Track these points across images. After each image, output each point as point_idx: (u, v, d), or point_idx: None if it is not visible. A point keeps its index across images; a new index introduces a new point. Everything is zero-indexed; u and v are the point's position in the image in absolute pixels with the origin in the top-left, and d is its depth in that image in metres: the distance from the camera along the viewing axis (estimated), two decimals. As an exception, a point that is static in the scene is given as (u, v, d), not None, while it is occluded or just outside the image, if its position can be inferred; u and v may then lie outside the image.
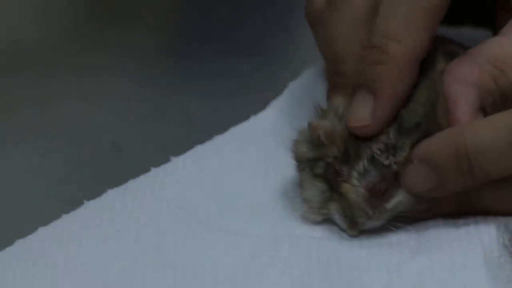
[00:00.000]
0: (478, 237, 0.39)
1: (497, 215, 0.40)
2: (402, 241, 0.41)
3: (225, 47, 0.60)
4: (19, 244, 0.41)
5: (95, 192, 0.44)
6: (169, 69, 0.61)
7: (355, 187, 0.40)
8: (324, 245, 0.41)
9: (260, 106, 0.49)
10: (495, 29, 0.45)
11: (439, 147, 0.40)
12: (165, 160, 0.46)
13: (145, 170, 0.46)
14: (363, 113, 0.40)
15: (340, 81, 0.43)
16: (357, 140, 0.41)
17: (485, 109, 0.41)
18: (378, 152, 0.40)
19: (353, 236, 0.41)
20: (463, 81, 0.41)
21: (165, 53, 0.63)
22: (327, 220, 0.42)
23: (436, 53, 0.42)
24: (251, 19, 0.62)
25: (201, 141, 0.48)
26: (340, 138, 0.40)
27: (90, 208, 0.44)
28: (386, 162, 0.40)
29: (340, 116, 0.41)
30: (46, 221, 0.42)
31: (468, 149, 0.39)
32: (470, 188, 0.39)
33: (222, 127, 0.48)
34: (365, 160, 0.40)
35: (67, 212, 0.43)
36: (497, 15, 0.46)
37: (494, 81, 0.41)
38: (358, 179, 0.40)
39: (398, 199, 0.40)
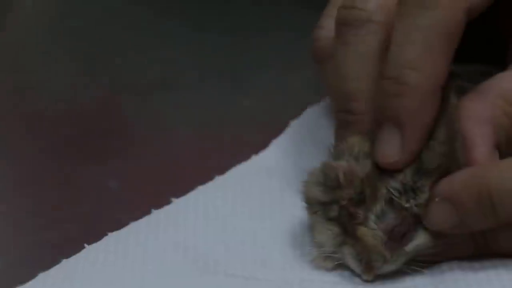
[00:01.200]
0: (500, 284, 0.39)
1: None
2: (418, 285, 0.39)
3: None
4: None
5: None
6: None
7: (372, 230, 0.39)
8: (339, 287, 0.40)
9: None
10: (506, 65, 0.44)
11: (462, 186, 0.39)
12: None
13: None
14: (393, 148, 0.40)
15: (350, 119, 0.42)
16: (373, 181, 0.40)
17: (500, 146, 0.41)
18: (397, 194, 0.39)
19: (368, 281, 0.40)
20: (477, 118, 0.41)
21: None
22: (338, 266, 0.41)
23: (449, 88, 0.41)
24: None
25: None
26: (358, 180, 0.39)
27: (91, 251, 0.42)
28: (406, 205, 0.39)
29: (355, 157, 0.40)
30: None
31: (492, 191, 0.38)
32: (492, 228, 0.39)
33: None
34: (383, 202, 0.39)
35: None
36: (508, 51, 0.46)
37: (507, 117, 0.41)
38: (376, 221, 0.39)
39: (417, 242, 0.40)
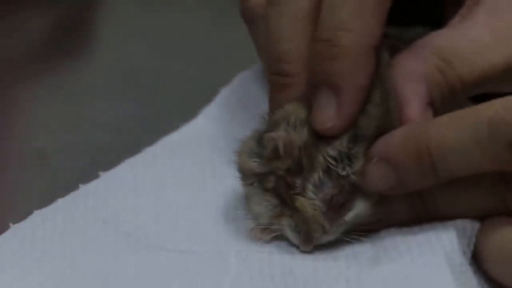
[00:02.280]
0: (440, 244, 0.39)
1: (453, 219, 0.40)
2: (358, 252, 0.40)
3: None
4: None
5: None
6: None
7: (311, 200, 0.39)
8: (275, 259, 0.40)
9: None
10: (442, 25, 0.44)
11: (399, 145, 0.39)
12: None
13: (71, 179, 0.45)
14: (329, 113, 0.39)
15: (284, 81, 0.41)
16: (310, 150, 0.39)
17: (434, 103, 0.41)
18: (333, 162, 0.39)
19: (306, 252, 0.40)
20: (410, 75, 0.41)
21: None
22: (276, 238, 0.41)
23: (381, 49, 0.41)
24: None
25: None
26: (296, 149, 0.39)
27: (18, 230, 0.42)
28: (343, 173, 0.39)
29: (293, 125, 0.40)
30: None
31: (432, 148, 0.38)
32: (432, 187, 0.39)
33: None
34: (320, 171, 0.39)
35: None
36: (445, 11, 0.46)
37: (441, 73, 0.41)
38: (314, 191, 0.39)
39: (356, 211, 0.40)
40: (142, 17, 0.69)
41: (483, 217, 0.40)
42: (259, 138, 0.40)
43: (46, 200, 0.44)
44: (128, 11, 0.69)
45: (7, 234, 0.42)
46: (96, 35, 0.67)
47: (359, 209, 0.40)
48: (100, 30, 0.68)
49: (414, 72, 0.41)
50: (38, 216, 0.42)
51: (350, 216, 0.39)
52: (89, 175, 0.45)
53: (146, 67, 0.60)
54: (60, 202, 0.43)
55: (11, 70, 0.62)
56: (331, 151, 0.39)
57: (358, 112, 0.40)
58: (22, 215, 0.43)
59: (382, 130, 0.40)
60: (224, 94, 0.50)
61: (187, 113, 0.49)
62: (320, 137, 0.39)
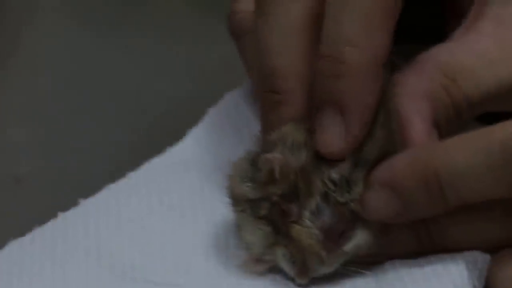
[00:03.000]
0: (449, 277, 0.38)
1: (462, 251, 0.38)
2: (359, 286, 0.38)
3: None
4: None
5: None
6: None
7: (307, 229, 0.37)
8: None
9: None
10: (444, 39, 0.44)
11: (404, 170, 0.38)
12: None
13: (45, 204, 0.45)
14: (335, 135, 0.38)
15: (277, 99, 0.40)
16: (307, 174, 0.38)
17: (439, 123, 0.40)
18: (332, 188, 0.37)
19: (301, 285, 0.38)
20: (413, 93, 0.40)
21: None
22: (270, 270, 0.39)
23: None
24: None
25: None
26: (293, 173, 0.38)
27: None
28: (341, 200, 0.37)
29: (290, 148, 0.38)
30: None
31: (440, 173, 0.37)
32: (439, 215, 0.38)
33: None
34: (318, 197, 0.37)
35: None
36: (448, 25, 0.45)
37: (445, 91, 0.41)
38: (311, 219, 0.37)
39: (356, 241, 0.38)
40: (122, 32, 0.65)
41: (494, 249, 0.39)
42: (253, 160, 0.39)
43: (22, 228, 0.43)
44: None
45: None
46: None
47: (360, 239, 0.38)
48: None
49: (417, 90, 0.40)
50: (14, 245, 0.41)
51: (350, 246, 0.38)
52: (67, 202, 0.44)
53: (129, 86, 0.58)
54: (37, 231, 0.42)
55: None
56: (334, 174, 0.38)
57: (365, 135, 0.39)
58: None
59: (384, 154, 0.38)
60: (212, 114, 0.48)
61: (173, 135, 0.48)
62: (318, 161, 0.38)
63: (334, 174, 0.38)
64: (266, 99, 0.41)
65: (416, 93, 0.40)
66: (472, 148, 0.37)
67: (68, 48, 0.64)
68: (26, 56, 0.63)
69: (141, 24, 0.66)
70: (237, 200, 0.39)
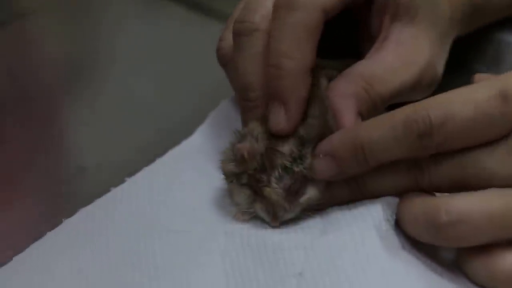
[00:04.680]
0: (370, 216, 0.42)
1: (379, 197, 0.43)
2: (311, 225, 0.43)
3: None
4: None
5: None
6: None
7: (274, 189, 0.42)
8: (252, 234, 0.43)
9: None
10: (362, 57, 0.48)
11: (339, 143, 0.42)
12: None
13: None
14: (280, 118, 0.42)
15: (250, 105, 0.45)
16: (270, 154, 0.42)
17: (362, 113, 0.44)
18: (289, 162, 0.42)
19: (274, 227, 0.43)
20: (343, 94, 0.44)
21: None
22: (252, 218, 0.44)
23: (319, 76, 0.45)
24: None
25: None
26: (258, 155, 0.43)
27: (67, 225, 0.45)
28: (297, 169, 0.42)
29: (255, 137, 0.43)
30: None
31: (363, 144, 0.41)
32: (364, 173, 0.42)
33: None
34: (279, 169, 0.42)
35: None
36: (361, 47, 0.49)
37: (365, 92, 0.45)
38: (276, 183, 0.42)
39: (308, 196, 0.43)
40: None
41: (400, 193, 0.43)
42: (233, 148, 0.44)
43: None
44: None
45: (59, 227, 0.45)
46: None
47: (310, 193, 0.43)
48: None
49: (346, 92, 0.45)
50: (83, 212, 0.45)
51: (304, 199, 0.43)
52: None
53: (140, 93, 0.60)
54: (97, 201, 0.46)
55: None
56: (286, 153, 0.42)
57: (301, 117, 0.43)
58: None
59: (323, 136, 0.43)
60: (212, 116, 0.53)
61: (187, 131, 0.51)
62: (275, 146, 0.43)
63: (287, 149, 0.42)
64: (243, 105, 0.45)
65: (346, 94, 0.44)
66: (384, 125, 0.41)
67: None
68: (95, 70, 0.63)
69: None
70: (227, 175, 0.44)
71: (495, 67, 0.58)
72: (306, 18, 0.43)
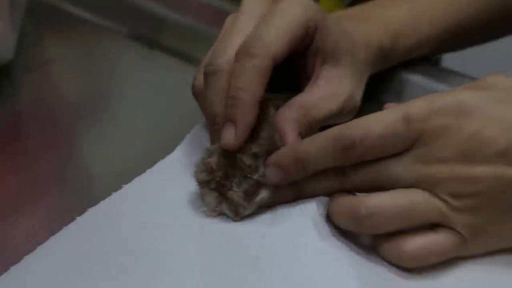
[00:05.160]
0: (307, 211, 0.41)
1: (314, 197, 0.42)
2: (264, 219, 0.42)
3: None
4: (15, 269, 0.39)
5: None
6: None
7: (236, 192, 0.41)
8: (220, 225, 0.42)
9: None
10: (300, 90, 0.47)
11: (283, 156, 0.41)
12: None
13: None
14: (230, 136, 0.41)
15: (216, 128, 0.43)
16: (231, 166, 0.41)
17: (301, 134, 0.43)
18: (247, 171, 0.41)
19: (236, 221, 0.42)
20: (287, 119, 0.43)
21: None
22: (220, 215, 0.43)
23: (269, 106, 0.43)
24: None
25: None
26: (223, 167, 0.42)
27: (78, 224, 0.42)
28: (254, 176, 0.41)
29: (219, 153, 0.42)
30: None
31: (302, 156, 0.40)
32: (303, 178, 0.41)
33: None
34: (239, 176, 0.41)
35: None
36: (300, 82, 0.48)
37: (304, 117, 0.44)
38: (237, 187, 0.41)
39: (261, 196, 0.42)
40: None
41: (330, 194, 0.42)
42: (203, 162, 0.42)
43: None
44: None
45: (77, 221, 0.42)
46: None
47: (263, 194, 0.42)
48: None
49: (289, 117, 0.43)
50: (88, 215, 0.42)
51: (258, 199, 0.42)
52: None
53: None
54: (101, 203, 0.43)
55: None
56: (244, 164, 0.41)
57: (247, 138, 0.41)
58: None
59: (272, 151, 0.42)
60: (188, 137, 0.49)
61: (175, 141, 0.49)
62: (236, 160, 0.41)
63: (244, 164, 0.41)
64: (211, 129, 0.44)
65: (289, 119, 0.43)
66: (318, 142, 0.40)
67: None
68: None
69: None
70: (199, 182, 0.43)
71: (398, 98, 0.57)
72: (260, 64, 0.41)
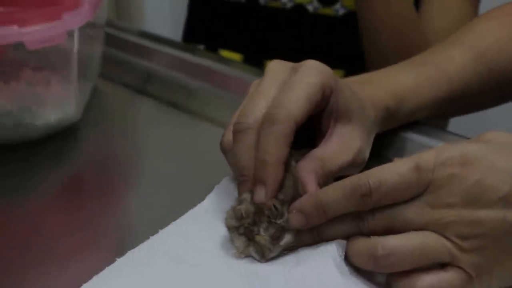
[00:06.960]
0: (328, 253, 0.41)
1: (333, 239, 0.42)
2: (288, 260, 0.42)
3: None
4: None
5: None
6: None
7: (263, 236, 0.41)
8: (248, 265, 0.42)
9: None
10: (316, 146, 0.47)
11: (306, 202, 0.41)
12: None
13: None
14: (261, 196, 0.42)
15: (244, 179, 0.43)
16: (258, 213, 0.42)
17: (319, 183, 0.43)
18: (273, 217, 0.42)
19: (263, 262, 0.42)
20: (307, 170, 0.43)
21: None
22: (247, 257, 0.43)
23: (291, 160, 0.43)
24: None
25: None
26: (251, 214, 0.42)
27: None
28: (278, 222, 0.41)
29: (248, 202, 0.42)
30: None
31: (322, 203, 0.41)
32: (323, 223, 0.41)
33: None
34: (266, 222, 0.42)
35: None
36: (317, 139, 0.48)
37: (321, 169, 0.44)
38: (264, 232, 0.42)
39: (286, 240, 0.42)
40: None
41: (347, 237, 0.42)
42: (233, 209, 0.43)
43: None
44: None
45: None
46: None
47: (287, 238, 0.42)
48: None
49: (309, 169, 0.44)
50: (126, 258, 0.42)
51: (283, 242, 0.42)
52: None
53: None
54: (141, 245, 0.43)
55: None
56: (271, 211, 0.41)
57: (276, 193, 0.42)
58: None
59: (295, 198, 0.42)
60: (218, 187, 0.49)
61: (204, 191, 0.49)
62: (263, 206, 0.42)
63: (270, 211, 0.41)
64: (239, 181, 0.44)
65: (308, 170, 0.44)
66: (337, 189, 0.40)
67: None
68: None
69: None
70: (229, 227, 0.43)
71: (400, 155, 0.58)
72: (284, 128, 0.42)
